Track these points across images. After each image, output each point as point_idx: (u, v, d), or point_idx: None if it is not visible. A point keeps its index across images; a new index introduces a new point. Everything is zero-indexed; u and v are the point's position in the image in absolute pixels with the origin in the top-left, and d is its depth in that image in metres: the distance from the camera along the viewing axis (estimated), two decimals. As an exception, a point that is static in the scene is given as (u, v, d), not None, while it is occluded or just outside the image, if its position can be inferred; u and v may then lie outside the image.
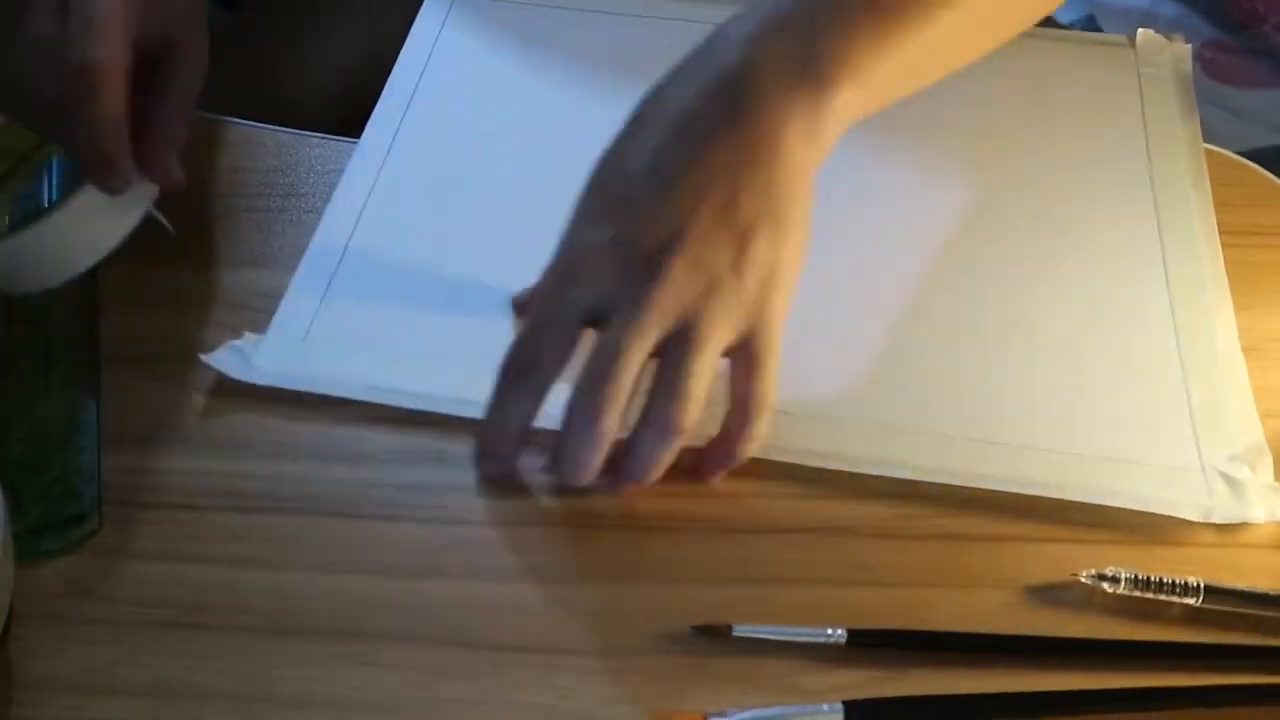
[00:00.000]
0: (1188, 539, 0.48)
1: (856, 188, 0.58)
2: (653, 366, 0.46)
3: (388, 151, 0.60)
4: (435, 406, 0.51)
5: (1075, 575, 0.46)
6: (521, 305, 0.54)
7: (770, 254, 0.45)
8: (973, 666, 0.44)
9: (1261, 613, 0.45)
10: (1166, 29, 0.76)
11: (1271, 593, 0.46)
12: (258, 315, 0.54)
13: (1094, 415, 0.51)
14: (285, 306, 0.54)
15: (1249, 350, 0.54)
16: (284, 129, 0.62)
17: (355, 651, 0.44)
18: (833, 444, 0.49)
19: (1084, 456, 0.50)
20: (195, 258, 0.57)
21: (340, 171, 0.60)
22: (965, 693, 0.43)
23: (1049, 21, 0.79)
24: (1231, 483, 0.49)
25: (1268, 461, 0.49)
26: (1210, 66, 0.76)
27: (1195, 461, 0.50)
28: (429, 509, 0.48)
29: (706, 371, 0.45)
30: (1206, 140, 0.63)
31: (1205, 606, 0.45)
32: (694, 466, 0.48)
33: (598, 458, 0.46)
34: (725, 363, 0.47)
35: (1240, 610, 0.45)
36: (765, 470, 0.49)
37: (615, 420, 0.45)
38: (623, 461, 0.47)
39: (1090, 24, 0.81)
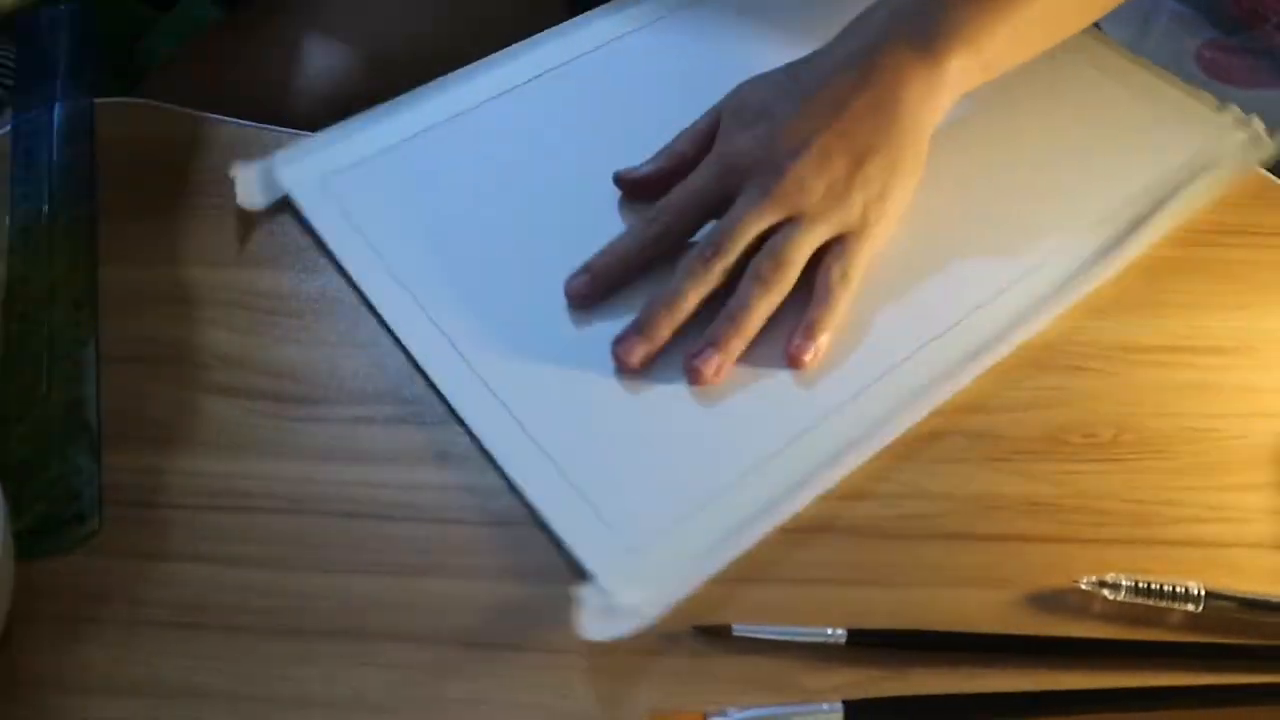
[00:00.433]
0: (1188, 538, 0.48)
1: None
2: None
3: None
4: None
5: (1075, 582, 0.46)
6: (630, 182, 0.58)
7: (881, 177, 0.53)
8: (973, 666, 0.44)
9: (1262, 619, 0.45)
10: (1166, 28, 0.76)
11: (1272, 599, 0.45)
12: (258, 315, 0.54)
13: None
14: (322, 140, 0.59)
15: (1248, 350, 0.54)
16: (283, 129, 0.62)
17: (355, 651, 0.44)
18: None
19: None
20: (195, 258, 0.57)
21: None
22: (965, 693, 0.43)
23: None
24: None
25: None
26: (1210, 66, 0.75)
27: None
28: (429, 509, 0.48)
29: (803, 249, 0.52)
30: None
31: (1206, 613, 0.45)
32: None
33: (680, 312, 0.52)
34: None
35: (1241, 616, 0.45)
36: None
37: (712, 280, 0.52)
38: (713, 326, 0.52)
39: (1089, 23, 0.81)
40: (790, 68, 0.57)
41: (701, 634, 0.44)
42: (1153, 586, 0.45)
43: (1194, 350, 0.54)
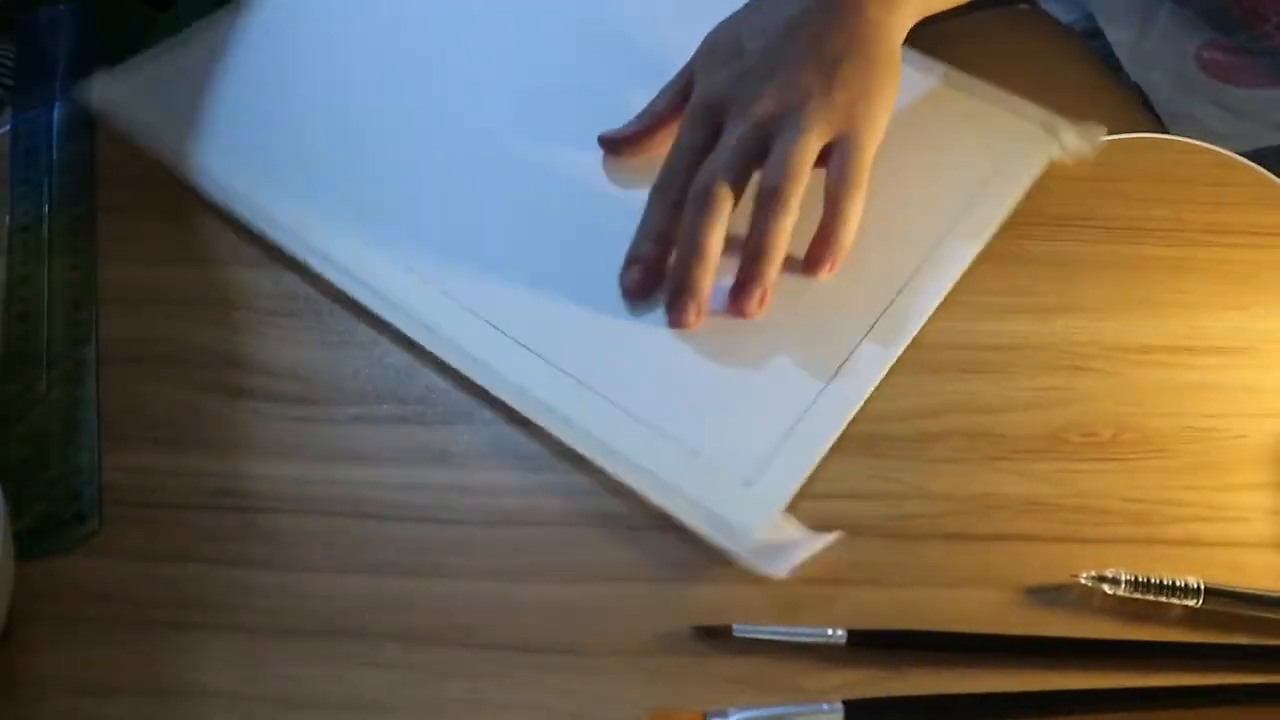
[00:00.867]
0: (1188, 538, 0.48)
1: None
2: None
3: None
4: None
5: (1075, 576, 0.46)
6: (612, 142, 0.60)
7: (858, 79, 0.55)
8: (973, 666, 0.44)
9: (1262, 614, 0.45)
10: (1166, 28, 0.76)
11: (1272, 594, 0.46)
12: (258, 315, 0.54)
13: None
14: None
15: (1248, 350, 0.54)
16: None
17: (355, 651, 0.44)
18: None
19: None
20: (195, 257, 0.57)
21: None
22: (965, 693, 0.43)
23: (1052, 22, 0.79)
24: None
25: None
26: (1210, 66, 0.75)
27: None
28: (429, 509, 0.48)
29: (805, 154, 0.53)
30: (1207, 140, 0.63)
31: (1205, 608, 0.45)
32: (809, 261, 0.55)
33: (710, 259, 0.53)
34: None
35: (1240, 612, 0.45)
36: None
37: (724, 213, 0.53)
38: (744, 262, 0.53)
39: (1089, 22, 0.81)
40: (752, 5, 0.59)
41: (701, 634, 0.44)
42: (1152, 581, 0.45)
43: (1194, 350, 0.54)
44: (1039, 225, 0.59)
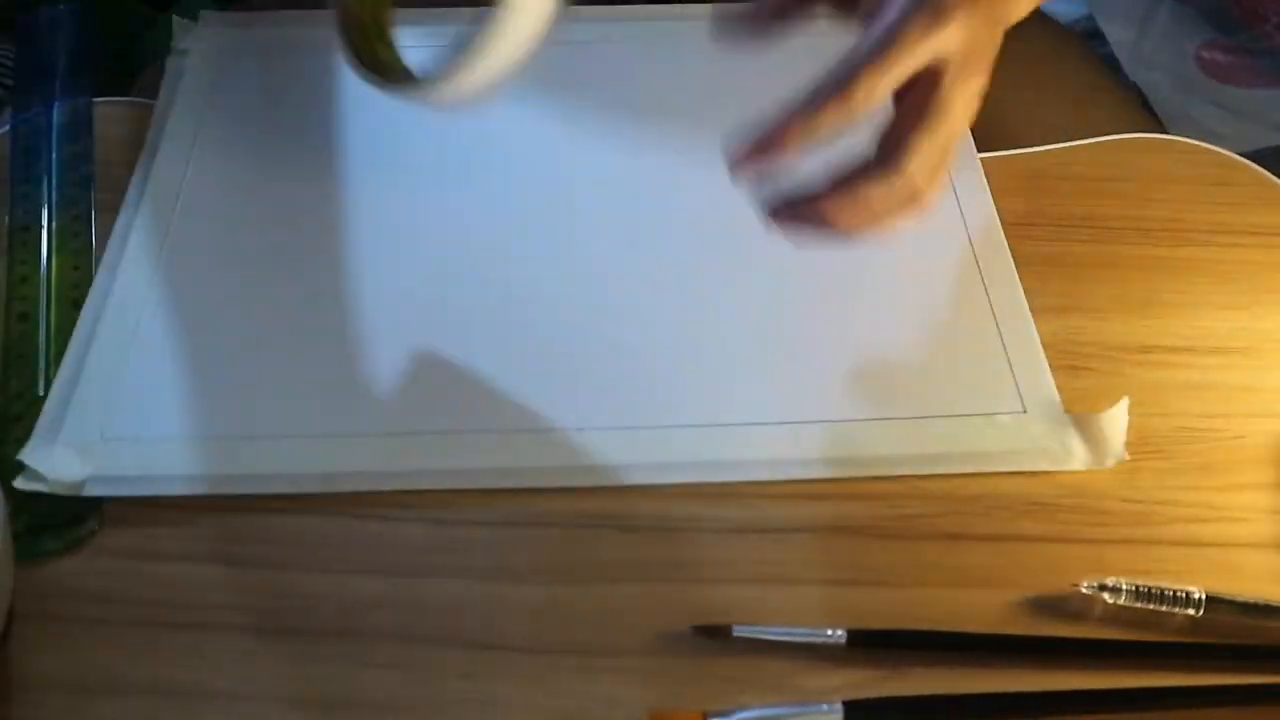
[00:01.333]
0: (1187, 539, 0.48)
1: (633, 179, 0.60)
2: None
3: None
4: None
5: (1076, 585, 0.45)
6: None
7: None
8: (973, 666, 0.44)
9: (1263, 623, 0.45)
10: (1166, 28, 0.76)
11: (1273, 603, 0.45)
12: (258, 315, 0.54)
13: (921, 376, 0.52)
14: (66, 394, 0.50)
15: (1248, 350, 0.54)
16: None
17: (355, 651, 0.44)
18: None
19: (920, 420, 0.51)
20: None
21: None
22: (965, 693, 0.43)
23: (1052, 22, 0.79)
24: (1061, 425, 0.50)
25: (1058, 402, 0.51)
26: (1210, 66, 0.76)
27: (1020, 408, 0.51)
28: (429, 509, 0.48)
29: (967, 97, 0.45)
30: (1207, 140, 0.63)
31: (1206, 617, 0.45)
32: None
33: (854, 106, 0.43)
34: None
35: (1241, 620, 0.45)
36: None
37: (886, 86, 0.43)
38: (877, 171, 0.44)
39: (1089, 23, 0.81)
40: None
41: (701, 634, 0.44)
42: (1153, 590, 0.45)
43: (1194, 350, 0.54)
44: (1039, 225, 0.59)
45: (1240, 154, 0.62)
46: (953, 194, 0.59)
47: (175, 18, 0.67)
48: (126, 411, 0.50)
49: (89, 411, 0.50)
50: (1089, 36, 0.81)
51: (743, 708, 0.42)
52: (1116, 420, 0.50)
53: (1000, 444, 0.50)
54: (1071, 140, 0.63)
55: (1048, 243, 0.58)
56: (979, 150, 0.61)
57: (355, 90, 0.61)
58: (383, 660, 0.44)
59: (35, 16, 0.67)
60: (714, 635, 0.44)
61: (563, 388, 0.51)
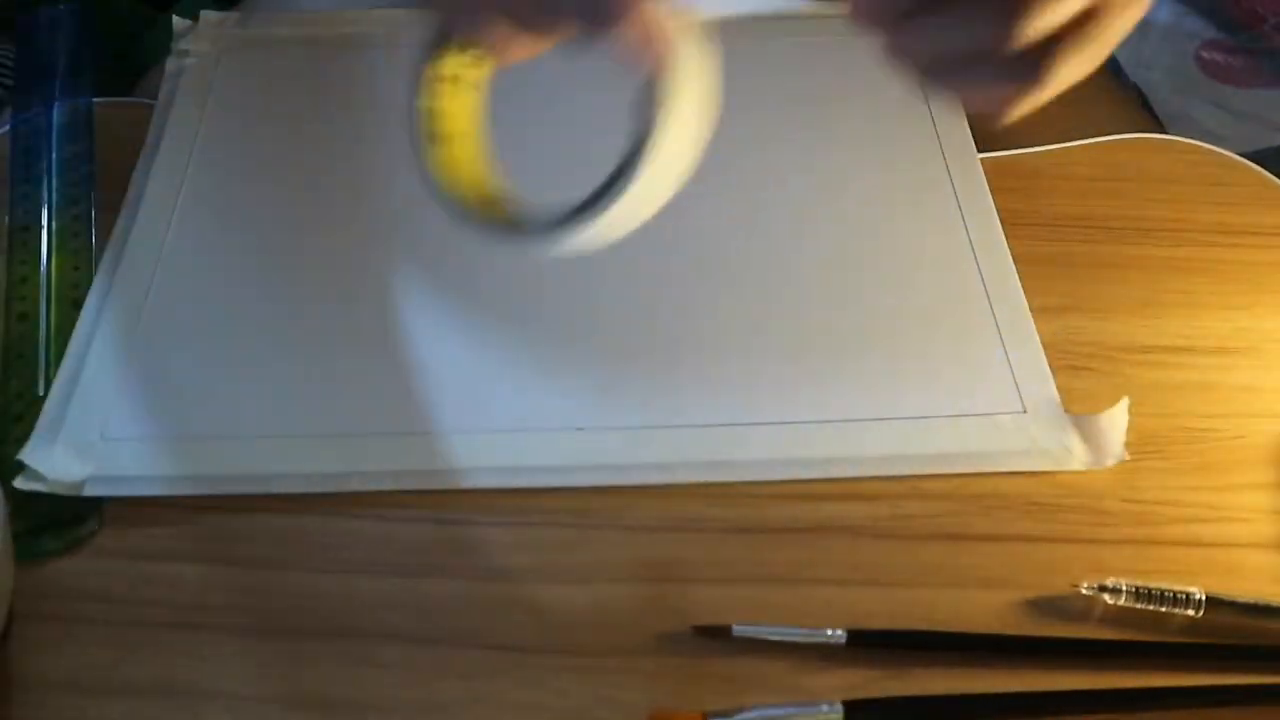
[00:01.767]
0: (1187, 539, 0.48)
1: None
2: None
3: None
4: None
5: (1076, 586, 0.45)
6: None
7: None
8: (973, 666, 0.44)
9: (1263, 624, 0.45)
10: (1166, 28, 0.76)
11: (1273, 604, 0.45)
12: (258, 315, 0.54)
13: (921, 376, 0.52)
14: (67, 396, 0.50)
15: (1248, 350, 0.54)
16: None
17: (355, 651, 0.44)
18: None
19: (920, 420, 0.51)
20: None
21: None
22: (965, 693, 0.43)
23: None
24: (1061, 425, 0.50)
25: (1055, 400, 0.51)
26: (1210, 66, 0.75)
27: (1020, 408, 0.51)
28: (429, 509, 0.48)
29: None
30: (1207, 140, 0.63)
31: (1206, 618, 0.45)
32: None
33: None
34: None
35: (1241, 621, 0.45)
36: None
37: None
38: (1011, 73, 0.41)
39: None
40: None
41: (701, 634, 0.44)
42: (1153, 591, 0.45)
43: (1194, 350, 0.54)
44: (1039, 225, 0.59)
45: (1240, 154, 0.62)
46: (953, 194, 0.59)
47: (175, 18, 0.67)
48: (126, 411, 0.50)
49: (89, 411, 0.50)
50: (1089, 36, 0.80)
51: (743, 708, 0.42)
52: (1116, 420, 0.50)
53: (1000, 444, 0.50)
54: (1071, 140, 0.63)
55: (1048, 242, 0.58)
56: (979, 150, 0.62)
57: (354, 91, 0.61)
58: (383, 660, 0.44)
59: (35, 16, 0.67)
60: (714, 635, 0.44)
61: (562, 387, 0.51)
